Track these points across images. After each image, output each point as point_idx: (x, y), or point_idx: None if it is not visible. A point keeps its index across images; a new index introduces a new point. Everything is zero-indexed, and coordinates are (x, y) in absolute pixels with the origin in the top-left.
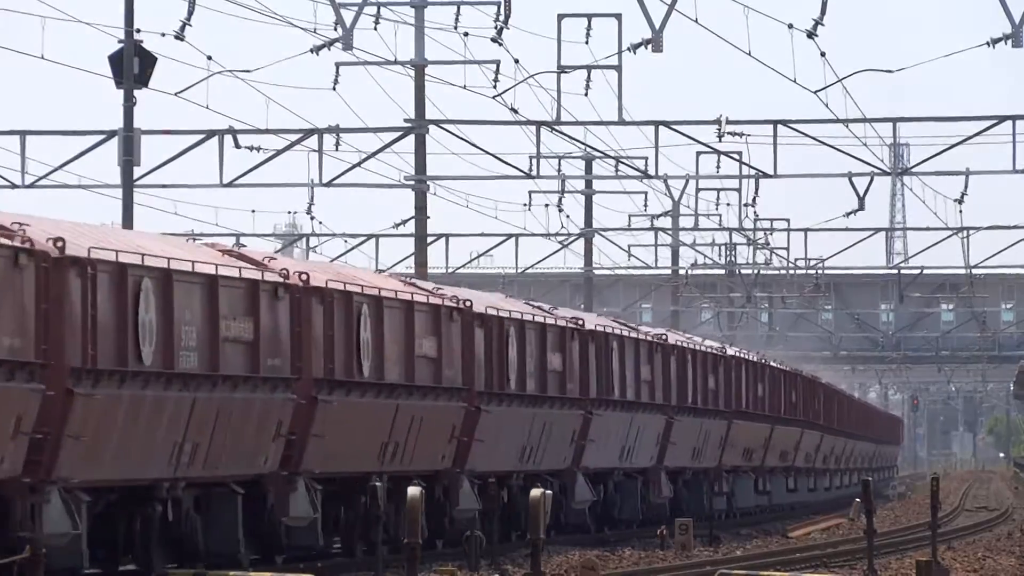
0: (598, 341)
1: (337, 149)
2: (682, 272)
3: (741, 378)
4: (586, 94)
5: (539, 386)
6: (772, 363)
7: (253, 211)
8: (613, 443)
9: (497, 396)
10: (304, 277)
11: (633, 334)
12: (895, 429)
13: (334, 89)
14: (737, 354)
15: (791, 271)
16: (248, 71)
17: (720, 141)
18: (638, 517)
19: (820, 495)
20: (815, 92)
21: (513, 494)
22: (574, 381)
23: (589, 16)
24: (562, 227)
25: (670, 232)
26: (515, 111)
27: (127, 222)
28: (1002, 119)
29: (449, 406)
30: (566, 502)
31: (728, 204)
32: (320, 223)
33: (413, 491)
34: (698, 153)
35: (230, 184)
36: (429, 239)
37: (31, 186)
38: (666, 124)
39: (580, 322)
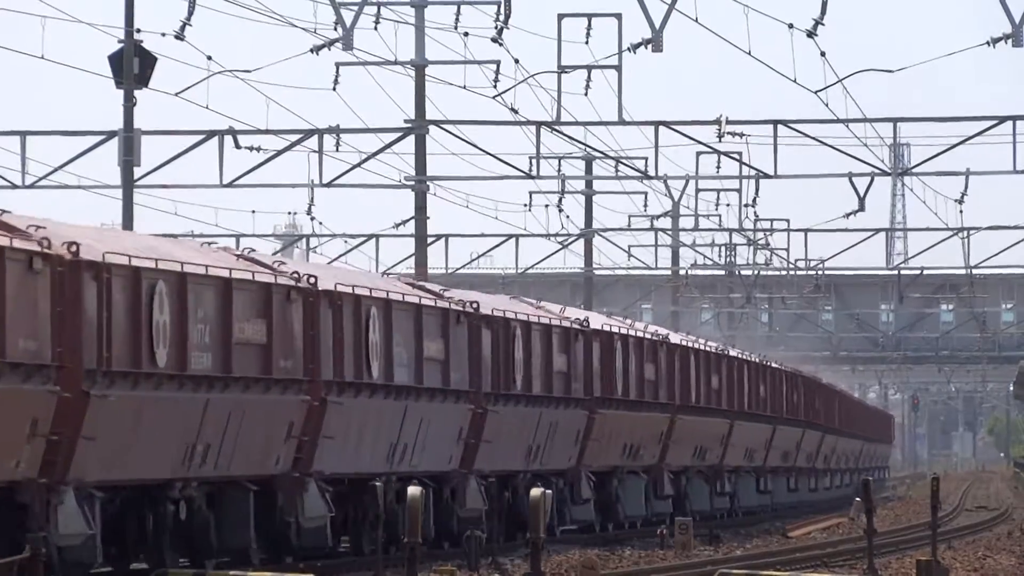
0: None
1: (337, 149)
2: (682, 272)
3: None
4: (586, 94)
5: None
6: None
7: (253, 211)
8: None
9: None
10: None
11: (637, 333)
12: (886, 427)
13: (334, 89)
14: (741, 355)
15: (791, 271)
16: (248, 71)
17: (720, 141)
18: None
19: (803, 496)
20: (815, 92)
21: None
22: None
23: (589, 16)
24: (562, 227)
25: (670, 232)
26: (515, 111)
27: (127, 222)
28: (1002, 119)
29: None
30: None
31: (728, 204)
32: (320, 223)
33: (413, 491)
34: (698, 153)
35: (230, 184)
36: (429, 239)
37: (31, 186)
38: (666, 124)
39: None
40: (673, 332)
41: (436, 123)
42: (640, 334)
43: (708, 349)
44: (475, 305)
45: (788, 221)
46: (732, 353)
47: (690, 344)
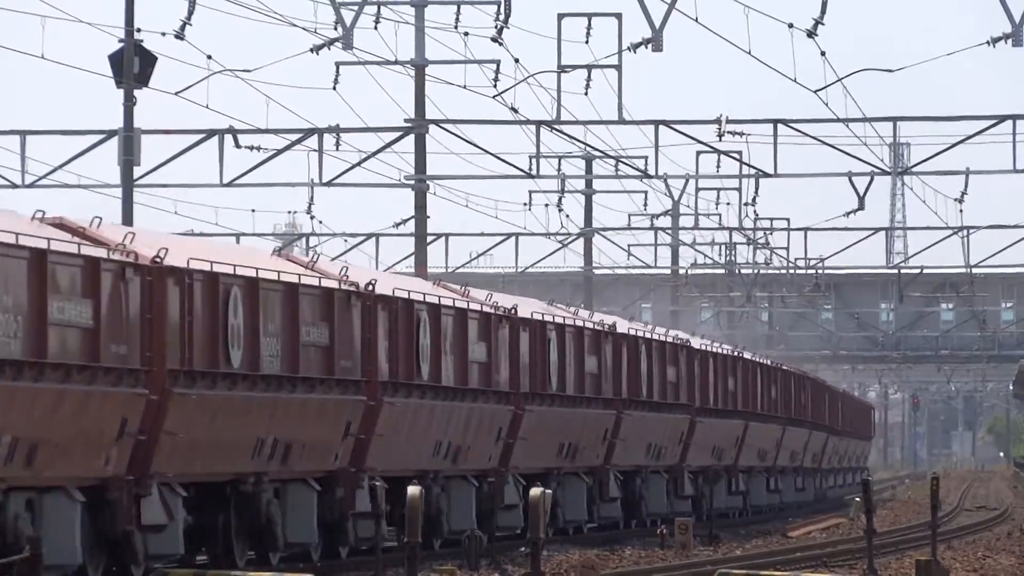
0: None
1: (337, 149)
2: (682, 271)
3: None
4: (586, 93)
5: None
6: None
7: (253, 211)
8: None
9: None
10: (372, 286)
11: (660, 337)
12: (864, 420)
13: (334, 89)
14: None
15: (791, 270)
16: (248, 71)
17: (720, 140)
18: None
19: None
20: (815, 91)
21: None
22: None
23: (589, 15)
24: (562, 226)
25: (670, 231)
26: (515, 111)
27: (127, 222)
28: (1002, 118)
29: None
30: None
31: (728, 203)
32: (320, 223)
33: (413, 491)
34: (698, 152)
35: (230, 184)
36: (429, 238)
37: (31, 186)
38: (666, 123)
39: (613, 326)
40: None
41: (436, 122)
42: (663, 338)
43: (725, 352)
44: (514, 309)
45: (788, 220)
46: (746, 356)
47: (708, 348)
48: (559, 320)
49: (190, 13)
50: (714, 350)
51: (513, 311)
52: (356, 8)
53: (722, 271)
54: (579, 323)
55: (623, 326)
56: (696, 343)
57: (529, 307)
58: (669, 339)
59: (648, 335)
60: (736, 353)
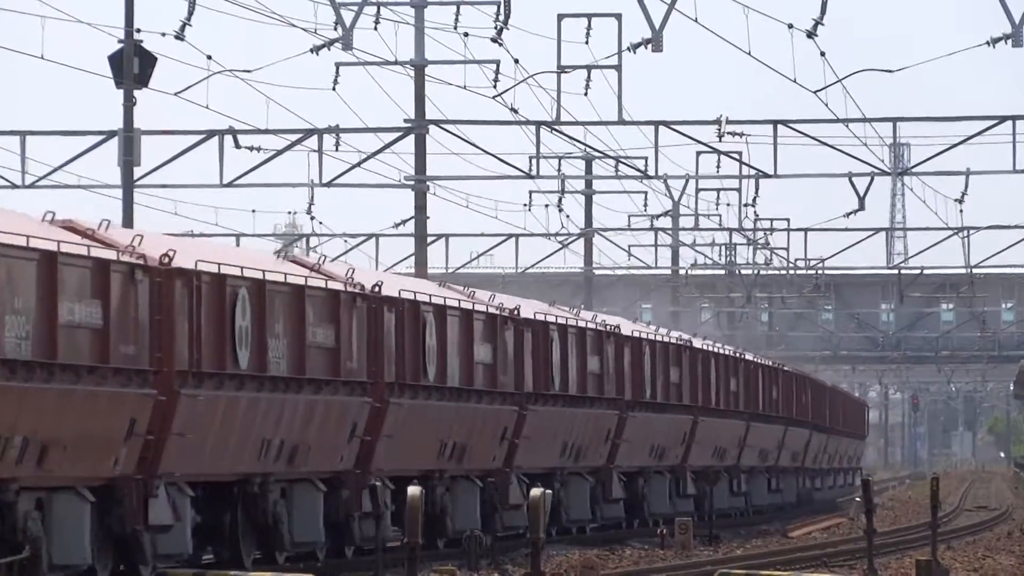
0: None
1: (337, 149)
2: (682, 272)
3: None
4: (586, 94)
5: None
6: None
7: (253, 211)
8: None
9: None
10: (378, 288)
11: (663, 338)
12: (858, 417)
13: (334, 89)
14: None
15: (791, 271)
16: (248, 71)
17: (720, 141)
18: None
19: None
20: (815, 92)
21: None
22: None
23: (589, 16)
24: (562, 227)
25: (670, 232)
26: (515, 111)
27: (127, 222)
28: (1002, 119)
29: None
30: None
31: (728, 204)
32: (320, 223)
33: (413, 491)
34: (698, 153)
35: (230, 184)
36: (429, 239)
37: (31, 186)
38: (666, 124)
39: (616, 327)
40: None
41: (436, 123)
42: (666, 339)
43: (727, 353)
44: (517, 310)
45: (788, 221)
46: (748, 356)
47: (711, 348)
48: (562, 321)
49: (190, 13)
50: (716, 351)
51: (516, 312)
52: (356, 9)
53: (722, 272)
54: (582, 324)
55: (627, 327)
56: (698, 344)
57: (532, 308)
58: (672, 340)
59: (651, 336)
60: (738, 354)
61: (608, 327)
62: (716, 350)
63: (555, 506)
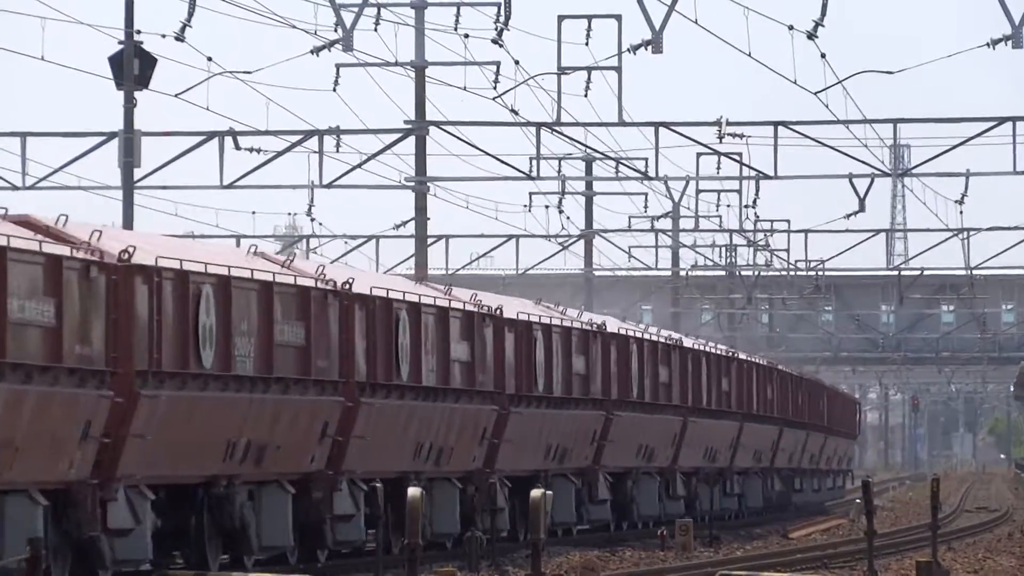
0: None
1: (337, 150)
2: (682, 273)
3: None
4: (586, 95)
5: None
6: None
7: (253, 212)
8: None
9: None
10: (349, 284)
11: (651, 337)
12: (849, 415)
13: (334, 90)
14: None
15: (791, 272)
16: (248, 72)
17: (720, 142)
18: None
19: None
20: (815, 93)
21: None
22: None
23: (589, 17)
24: (562, 228)
25: (670, 233)
26: (515, 112)
27: (127, 224)
28: (1002, 120)
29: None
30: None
31: (728, 205)
32: (320, 224)
33: (413, 492)
34: (698, 154)
35: (230, 185)
36: (429, 240)
37: (31, 188)
38: (666, 125)
39: (602, 325)
40: (684, 335)
41: (436, 124)
42: (654, 338)
43: (719, 352)
44: (499, 309)
45: (788, 222)
46: (741, 356)
47: (701, 348)
48: (545, 320)
49: (190, 15)
50: (707, 350)
51: (498, 311)
52: (356, 10)
53: (722, 273)
54: (567, 323)
55: (613, 325)
56: (688, 343)
57: (515, 307)
58: (661, 339)
59: (639, 335)
60: (730, 353)
61: (594, 326)
62: (707, 349)
63: None
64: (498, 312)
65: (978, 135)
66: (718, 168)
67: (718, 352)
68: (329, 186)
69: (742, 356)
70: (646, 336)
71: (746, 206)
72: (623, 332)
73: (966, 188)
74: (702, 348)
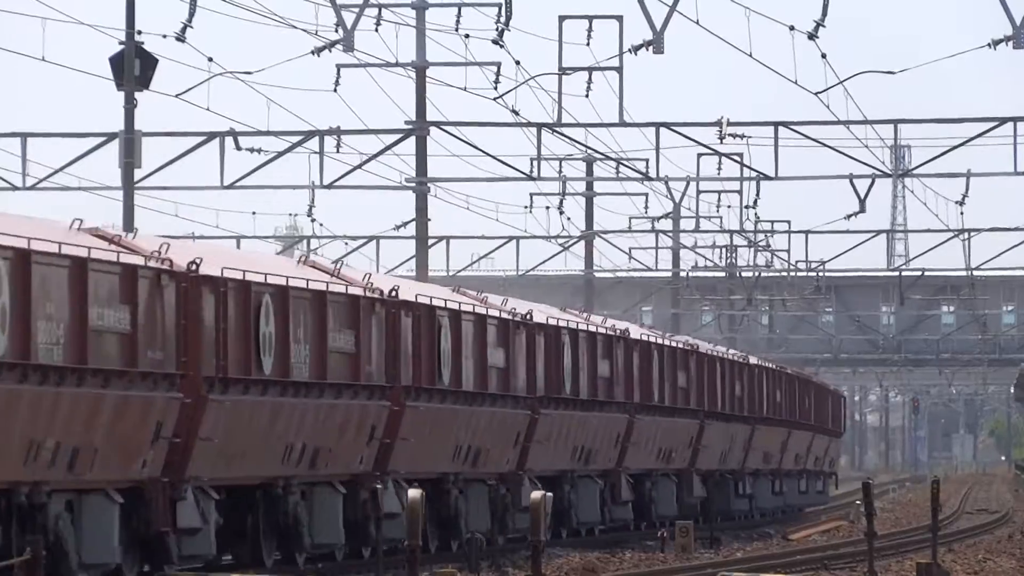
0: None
1: (338, 151)
2: (683, 274)
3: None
4: (587, 96)
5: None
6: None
7: (254, 213)
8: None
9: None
10: (395, 292)
11: (671, 343)
12: (835, 410)
13: (335, 91)
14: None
15: (792, 273)
16: (249, 73)
17: (721, 143)
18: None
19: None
20: (816, 94)
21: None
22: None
23: (590, 18)
24: (563, 229)
25: (671, 234)
26: (516, 113)
27: (128, 224)
28: (1003, 121)
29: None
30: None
31: (729, 206)
32: (321, 225)
33: (414, 493)
34: (699, 155)
35: (231, 186)
36: (430, 241)
37: (32, 188)
38: (667, 126)
39: (625, 331)
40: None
41: (437, 124)
42: (673, 343)
43: (732, 357)
44: (529, 315)
45: (789, 223)
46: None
47: (716, 353)
48: (572, 326)
49: (191, 15)
50: (722, 355)
51: (529, 317)
52: (357, 10)
53: (723, 274)
54: (592, 328)
55: (636, 331)
56: (704, 348)
57: (543, 313)
58: (679, 344)
59: (659, 340)
60: (743, 358)
61: (618, 331)
62: (722, 354)
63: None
64: (529, 318)
65: (979, 135)
66: (719, 168)
67: (732, 357)
68: (330, 187)
69: (753, 361)
70: (666, 341)
71: (747, 207)
72: (645, 337)
73: (967, 189)
74: (717, 353)
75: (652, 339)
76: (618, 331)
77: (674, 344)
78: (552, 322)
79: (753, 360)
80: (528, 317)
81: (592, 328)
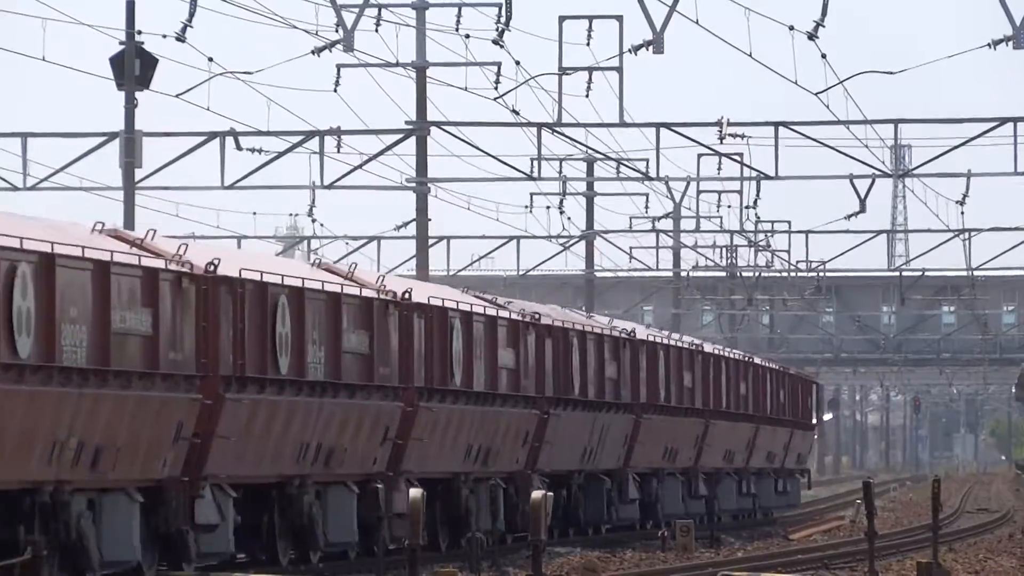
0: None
1: (338, 151)
2: (683, 274)
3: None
4: (587, 96)
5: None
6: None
7: (254, 213)
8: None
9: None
10: (408, 294)
11: (677, 343)
12: (804, 401)
13: (335, 91)
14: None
15: (792, 273)
16: (249, 73)
17: (721, 143)
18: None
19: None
20: (816, 94)
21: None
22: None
23: (590, 18)
24: (563, 229)
25: (671, 234)
26: (516, 113)
27: (128, 224)
28: (1003, 121)
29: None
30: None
31: (729, 206)
32: (321, 225)
33: (414, 493)
34: (699, 155)
35: (231, 186)
36: (431, 241)
37: (32, 188)
38: (667, 126)
39: (632, 332)
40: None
41: (437, 125)
42: (679, 343)
43: (737, 357)
44: (537, 316)
45: (789, 223)
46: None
47: (721, 353)
48: (580, 327)
49: (191, 15)
50: (726, 355)
51: (538, 318)
52: (357, 10)
53: (723, 274)
54: (599, 330)
55: (642, 332)
56: (709, 348)
57: (551, 314)
58: (685, 345)
59: (665, 341)
60: (747, 358)
61: (625, 332)
62: (726, 354)
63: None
64: (538, 319)
65: (979, 136)
66: (719, 169)
67: (736, 357)
68: (330, 187)
69: (757, 361)
70: (672, 342)
71: (747, 207)
72: (651, 338)
73: (967, 189)
74: (721, 353)
75: (658, 340)
76: (625, 332)
77: (680, 344)
78: (560, 324)
79: (758, 360)
80: (537, 318)
81: (599, 329)
